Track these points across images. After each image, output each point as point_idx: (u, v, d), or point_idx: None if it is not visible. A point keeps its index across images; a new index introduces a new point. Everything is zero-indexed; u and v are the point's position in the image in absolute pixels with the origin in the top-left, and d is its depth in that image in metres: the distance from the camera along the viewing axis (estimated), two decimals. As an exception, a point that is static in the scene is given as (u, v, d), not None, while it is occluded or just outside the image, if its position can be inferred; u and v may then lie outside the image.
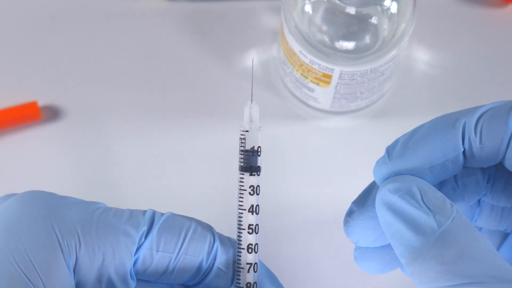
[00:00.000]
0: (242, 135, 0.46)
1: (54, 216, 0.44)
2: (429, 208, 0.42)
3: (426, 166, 0.45)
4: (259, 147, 0.46)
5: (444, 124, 0.45)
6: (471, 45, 0.67)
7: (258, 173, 0.46)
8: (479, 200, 0.49)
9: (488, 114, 0.44)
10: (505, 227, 0.49)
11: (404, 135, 0.45)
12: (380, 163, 0.46)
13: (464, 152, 0.45)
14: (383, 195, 0.43)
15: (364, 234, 0.46)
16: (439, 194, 0.43)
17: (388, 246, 0.47)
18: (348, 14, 0.56)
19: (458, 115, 0.45)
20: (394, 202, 0.43)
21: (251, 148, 0.46)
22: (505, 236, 0.51)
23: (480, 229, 0.51)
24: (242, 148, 0.46)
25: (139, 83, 0.65)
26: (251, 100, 0.47)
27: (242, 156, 0.46)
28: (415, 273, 0.42)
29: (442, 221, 0.42)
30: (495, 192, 0.48)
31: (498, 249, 0.51)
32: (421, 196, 0.43)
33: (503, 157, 0.45)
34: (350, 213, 0.47)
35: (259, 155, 0.46)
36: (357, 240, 0.47)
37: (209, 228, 0.46)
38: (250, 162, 0.46)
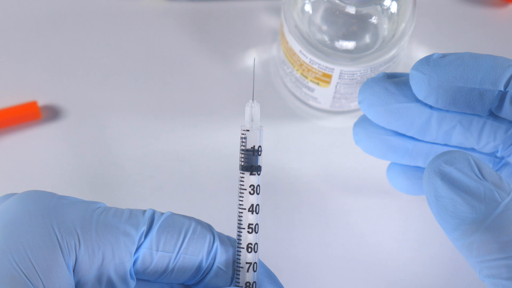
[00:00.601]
0: (243, 134, 0.46)
1: (54, 216, 0.44)
2: (489, 182, 0.42)
3: (458, 84, 0.45)
4: (259, 146, 0.46)
5: (496, 60, 0.45)
6: (471, 45, 0.66)
7: (259, 172, 0.46)
8: (500, 159, 0.49)
9: None
10: None
11: (458, 53, 0.47)
12: (423, 59, 0.46)
13: (503, 97, 0.45)
14: (438, 166, 0.43)
15: (375, 95, 0.48)
16: (492, 169, 0.43)
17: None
18: (348, 14, 0.56)
19: None
20: (450, 173, 0.42)
21: (251, 147, 0.46)
22: None
23: None
24: (242, 147, 0.46)
25: (139, 83, 0.65)
26: (252, 99, 0.47)
27: (242, 155, 0.46)
28: (475, 244, 0.41)
29: (503, 196, 0.42)
30: None
31: None
32: (480, 170, 0.42)
33: None
34: (375, 77, 0.48)
35: (260, 155, 0.46)
36: (362, 99, 0.49)
37: (208, 228, 0.46)
38: (250, 162, 0.46)
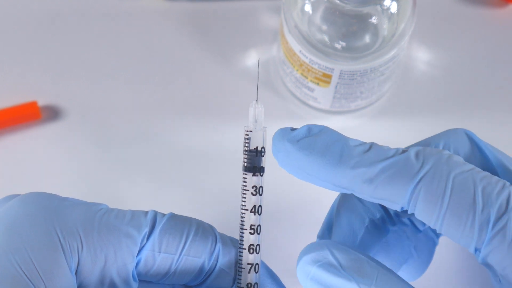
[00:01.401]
0: (246, 135, 0.46)
1: (56, 218, 0.44)
2: (349, 273, 0.41)
3: (302, 175, 0.45)
4: (263, 147, 0.46)
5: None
6: (471, 45, 0.67)
7: (262, 173, 0.46)
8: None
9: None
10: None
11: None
12: (279, 134, 0.45)
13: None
14: (303, 268, 0.43)
15: None
16: (354, 254, 0.42)
17: None
18: (348, 14, 0.56)
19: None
20: (315, 274, 0.42)
21: (254, 148, 0.46)
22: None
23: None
24: (246, 148, 0.46)
25: (139, 83, 0.65)
26: (256, 100, 0.46)
27: (246, 156, 0.46)
28: None
29: (367, 283, 0.41)
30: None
31: None
32: (339, 262, 0.42)
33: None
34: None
35: (263, 156, 0.46)
36: None
37: (211, 229, 0.46)
38: (253, 162, 0.46)
